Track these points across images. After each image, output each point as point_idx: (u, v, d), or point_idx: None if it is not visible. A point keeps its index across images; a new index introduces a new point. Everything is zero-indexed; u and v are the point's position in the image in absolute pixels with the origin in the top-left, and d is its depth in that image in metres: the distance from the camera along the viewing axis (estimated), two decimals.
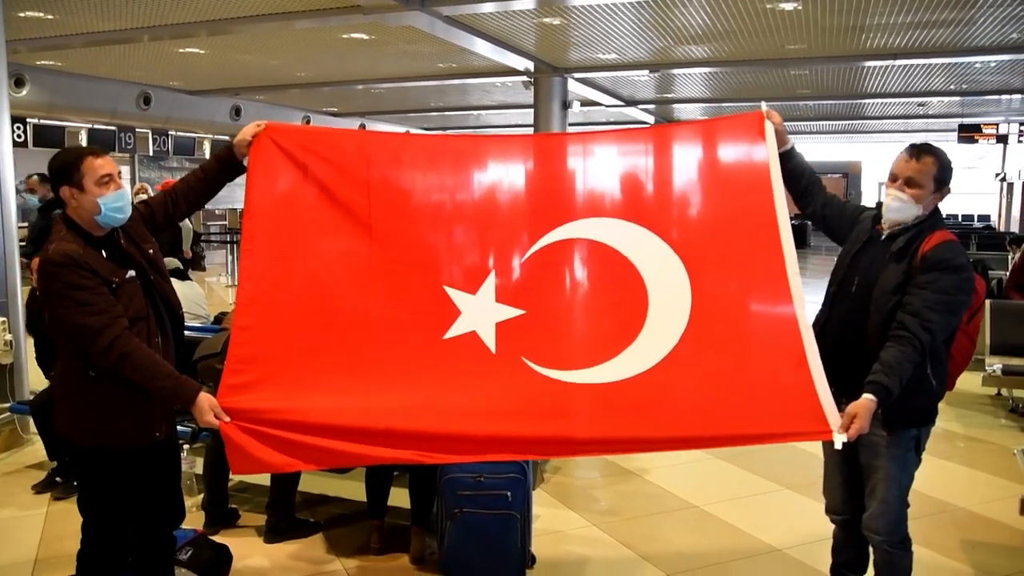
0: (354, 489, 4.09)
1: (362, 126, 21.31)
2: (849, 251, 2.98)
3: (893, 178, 2.86)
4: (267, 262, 2.90)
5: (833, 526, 3.22)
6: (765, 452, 5.17)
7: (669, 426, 2.74)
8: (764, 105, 2.98)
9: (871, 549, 3.02)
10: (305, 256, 2.94)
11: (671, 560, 3.84)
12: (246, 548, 3.90)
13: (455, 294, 2.95)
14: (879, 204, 3.00)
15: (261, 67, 13.40)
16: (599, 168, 3.08)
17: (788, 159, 3.03)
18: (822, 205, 3.14)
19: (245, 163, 2.97)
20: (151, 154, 17.70)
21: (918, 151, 2.81)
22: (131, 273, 2.76)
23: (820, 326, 2.94)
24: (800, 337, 2.68)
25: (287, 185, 2.95)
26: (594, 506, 4.53)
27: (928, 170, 2.79)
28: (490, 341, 2.91)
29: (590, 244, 2.99)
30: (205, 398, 2.67)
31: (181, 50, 11.92)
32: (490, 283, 2.97)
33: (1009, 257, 9.22)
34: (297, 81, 15.17)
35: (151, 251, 2.89)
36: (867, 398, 2.59)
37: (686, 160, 3.06)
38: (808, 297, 2.75)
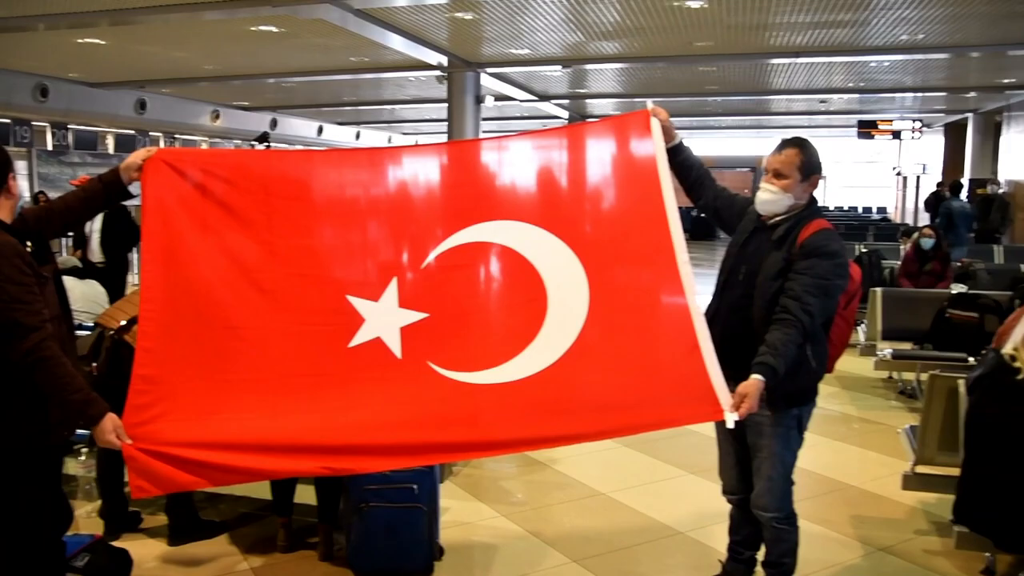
0: (260, 487, 4.04)
1: (274, 121, 20.92)
2: (737, 241, 3.13)
3: (765, 171, 3.04)
4: (168, 282, 2.88)
5: (730, 506, 3.35)
6: (670, 439, 5.34)
7: (571, 422, 2.83)
8: (650, 103, 3.10)
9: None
10: (207, 275, 2.93)
11: (577, 546, 3.93)
12: (149, 551, 3.82)
13: (358, 302, 2.98)
14: None
15: (167, 59, 13.02)
16: (493, 173, 3.16)
17: (677, 153, 3.16)
18: (713, 197, 3.28)
19: (131, 188, 2.93)
20: (50, 148, 16.94)
21: (783, 144, 3.02)
22: (48, 270, 2.68)
23: (712, 313, 3.08)
24: (692, 325, 2.80)
25: (184, 206, 2.93)
26: (504, 497, 4.59)
27: (792, 160, 2.97)
28: (395, 346, 2.95)
29: (488, 247, 3.05)
30: (110, 418, 2.63)
31: (80, 40, 11.48)
32: (392, 289, 3.00)
33: (901, 247, 9.65)
34: (205, 74, 14.80)
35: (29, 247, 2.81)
36: (755, 378, 2.73)
37: (578, 160, 3.15)
38: (711, 288, 2.85)
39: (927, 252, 8.09)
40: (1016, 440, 2.95)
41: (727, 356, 2.83)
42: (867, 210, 30.09)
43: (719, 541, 3.86)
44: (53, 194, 8.59)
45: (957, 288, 6.94)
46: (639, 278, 2.98)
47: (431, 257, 3.03)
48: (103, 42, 11.65)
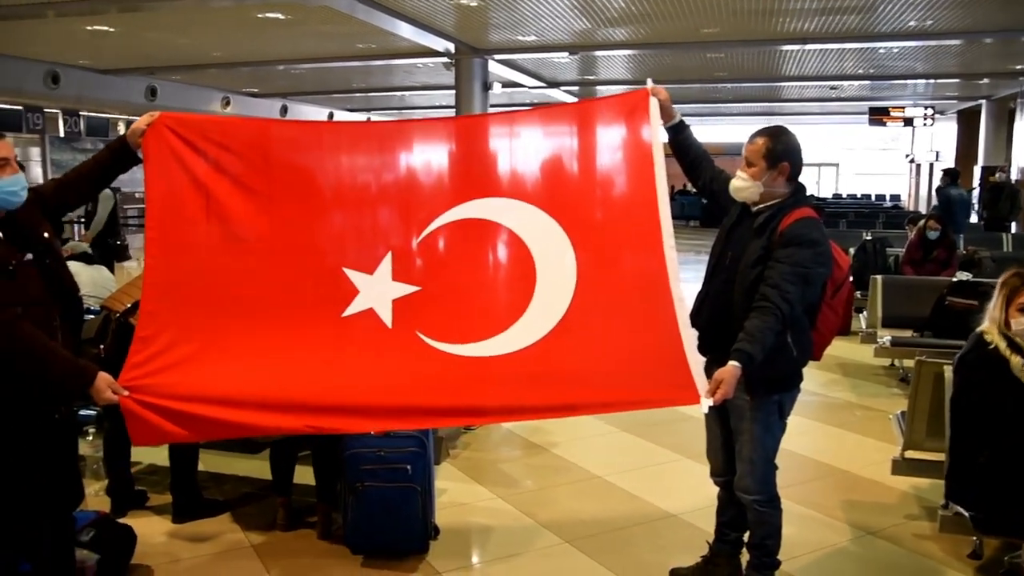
0: (260, 467, 4.14)
1: (284, 108, 21.00)
2: (726, 225, 3.17)
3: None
4: (170, 248, 2.97)
5: (718, 489, 3.40)
6: (667, 424, 5.40)
7: (551, 395, 2.92)
8: (650, 82, 3.09)
9: None
10: (207, 241, 3.01)
11: (571, 527, 4.00)
12: (154, 528, 3.91)
13: (353, 275, 3.06)
14: None
15: (175, 46, 13.11)
16: (490, 149, 3.20)
17: (677, 132, 3.20)
18: (710, 179, 3.29)
19: (140, 154, 2.98)
20: (62, 135, 17.11)
21: (756, 133, 3.04)
22: (29, 256, 2.73)
23: (701, 297, 3.14)
24: (674, 310, 2.86)
25: (186, 172, 2.99)
26: (501, 479, 4.66)
27: (758, 150, 2.98)
28: (386, 317, 3.03)
29: (482, 223, 3.11)
30: (102, 377, 2.71)
31: (90, 27, 11.58)
32: (387, 263, 3.07)
33: (908, 234, 9.64)
34: (214, 61, 14.87)
35: (46, 235, 2.87)
36: (732, 365, 2.77)
37: (575, 139, 3.17)
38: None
39: (933, 241, 8.09)
40: (996, 415, 3.03)
41: (712, 341, 2.89)
42: (880, 198, 29.93)
43: (711, 523, 3.93)
44: None
45: (961, 276, 6.95)
46: (626, 260, 3.04)
47: (426, 232, 3.10)
48: (112, 29, 11.74)
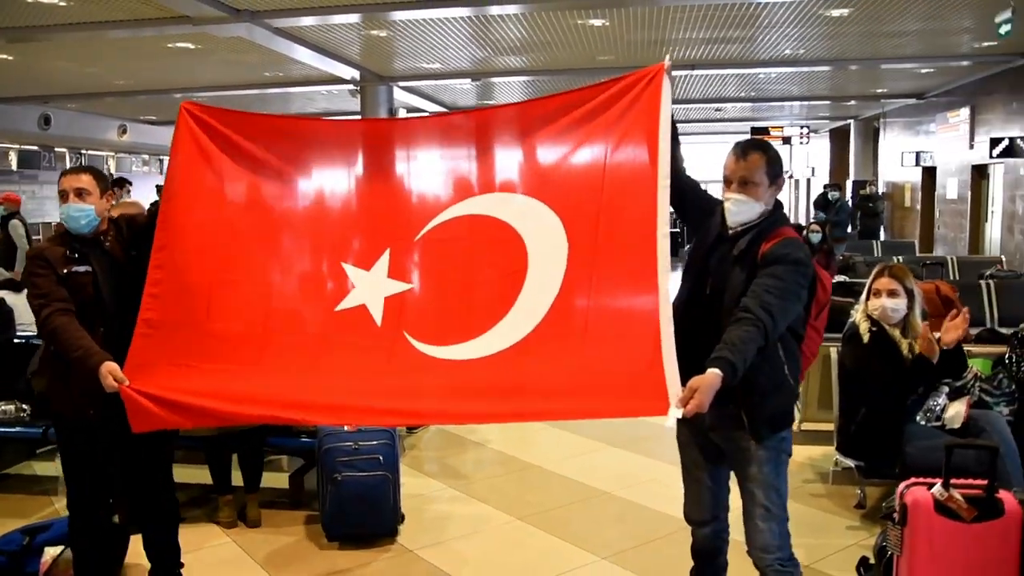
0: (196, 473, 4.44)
1: None
2: (702, 246, 2.85)
3: (727, 181, 2.74)
4: (178, 233, 3.07)
5: (692, 541, 3.01)
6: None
7: (518, 403, 2.81)
8: (668, 59, 2.82)
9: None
10: (214, 230, 3.12)
11: (520, 508, 4.48)
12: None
13: (351, 270, 3.11)
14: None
15: (76, 75, 12.95)
16: (496, 143, 3.16)
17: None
18: (678, 178, 2.89)
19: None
20: None
21: (743, 150, 2.73)
22: (83, 268, 3.12)
23: (677, 323, 2.67)
24: (658, 306, 2.63)
25: (203, 160, 3.09)
26: (449, 472, 5.12)
27: (757, 166, 2.68)
28: (377, 315, 3.05)
29: (480, 219, 3.06)
30: (107, 366, 2.94)
31: None
32: (384, 260, 3.09)
33: None
34: (115, 89, 14.73)
35: (133, 253, 3.18)
36: (712, 372, 2.38)
37: (581, 124, 2.98)
38: None
39: (814, 246, 8.96)
40: (870, 381, 3.80)
41: (689, 370, 2.47)
42: None
43: (640, 496, 4.52)
44: None
45: (839, 278, 7.83)
46: (616, 252, 2.82)
47: (426, 229, 3.10)
48: (8, 57, 11.57)
